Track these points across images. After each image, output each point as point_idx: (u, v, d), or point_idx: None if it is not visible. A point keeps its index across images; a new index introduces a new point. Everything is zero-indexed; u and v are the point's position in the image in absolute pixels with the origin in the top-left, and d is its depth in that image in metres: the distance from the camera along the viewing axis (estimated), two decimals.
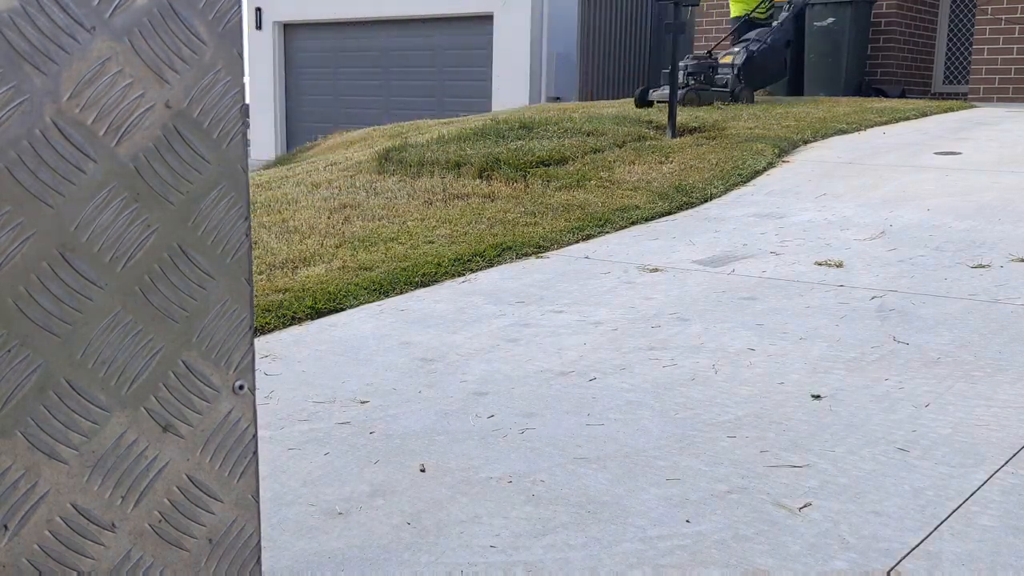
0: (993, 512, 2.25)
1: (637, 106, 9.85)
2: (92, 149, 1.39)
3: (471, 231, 5.41)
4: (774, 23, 11.15)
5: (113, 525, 1.47)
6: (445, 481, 2.47)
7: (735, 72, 10.28)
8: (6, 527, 1.37)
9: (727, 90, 10.16)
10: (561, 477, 2.48)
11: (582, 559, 2.10)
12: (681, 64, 9.93)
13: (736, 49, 10.65)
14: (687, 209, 6.03)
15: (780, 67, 11.08)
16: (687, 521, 2.24)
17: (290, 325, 3.93)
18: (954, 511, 2.26)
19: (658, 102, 9.73)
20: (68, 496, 1.42)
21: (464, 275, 4.64)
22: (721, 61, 10.40)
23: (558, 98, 14.39)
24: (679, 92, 9.37)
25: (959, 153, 7.31)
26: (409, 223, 5.64)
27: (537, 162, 6.97)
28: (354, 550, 2.14)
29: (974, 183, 6.29)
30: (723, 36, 12.56)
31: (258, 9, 17.28)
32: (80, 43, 1.36)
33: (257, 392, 3.20)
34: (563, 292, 4.28)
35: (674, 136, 8.11)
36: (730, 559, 2.08)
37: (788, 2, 11.26)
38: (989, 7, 10.98)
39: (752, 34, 10.93)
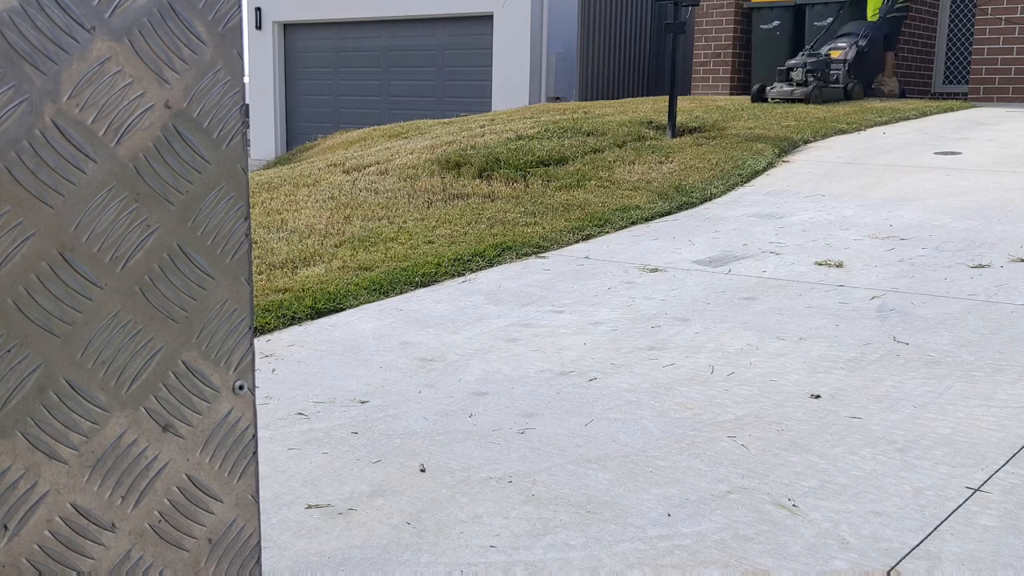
0: (993, 512, 2.25)
1: (753, 102, 9.96)
2: (92, 149, 1.39)
3: (471, 231, 5.41)
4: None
5: (113, 525, 1.47)
6: (445, 481, 2.47)
7: (846, 68, 10.20)
8: (6, 527, 1.37)
9: (840, 86, 10.13)
10: (561, 477, 2.48)
11: (582, 559, 2.09)
12: (799, 61, 9.92)
13: (842, 44, 10.53)
14: (687, 209, 6.03)
15: (881, 61, 11.06)
16: (688, 521, 2.24)
17: (290, 325, 3.92)
18: (954, 511, 2.25)
19: (775, 99, 9.83)
20: (68, 496, 1.42)
21: (464, 275, 4.63)
22: (833, 56, 10.29)
23: (558, 98, 14.39)
24: (804, 90, 9.46)
25: (959, 153, 7.30)
26: (409, 223, 5.64)
27: (537, 162, 6.97)
28: (354, 550, 2.14)
29: (974, 183, 6.29)
30: (722, 36, 12.56)
31: (258, 9, 17.28)
32: (80, 43, 1.36)
33: (257, 392, 3.20)
34: (563, 292, 4.28)
35: (674, 136, 8.11)
36: (730, 559, 2.08)
37: None
38: (989, 7, 10.97)
39: (849, 27, 10.85)
